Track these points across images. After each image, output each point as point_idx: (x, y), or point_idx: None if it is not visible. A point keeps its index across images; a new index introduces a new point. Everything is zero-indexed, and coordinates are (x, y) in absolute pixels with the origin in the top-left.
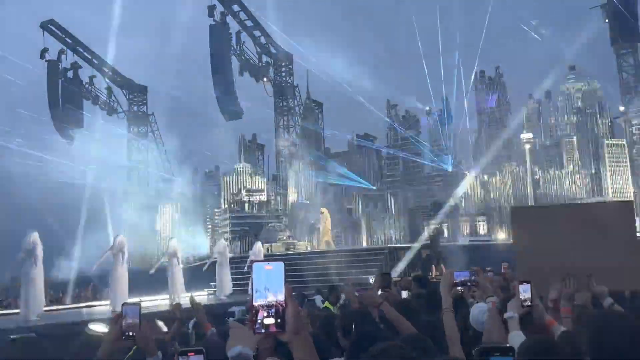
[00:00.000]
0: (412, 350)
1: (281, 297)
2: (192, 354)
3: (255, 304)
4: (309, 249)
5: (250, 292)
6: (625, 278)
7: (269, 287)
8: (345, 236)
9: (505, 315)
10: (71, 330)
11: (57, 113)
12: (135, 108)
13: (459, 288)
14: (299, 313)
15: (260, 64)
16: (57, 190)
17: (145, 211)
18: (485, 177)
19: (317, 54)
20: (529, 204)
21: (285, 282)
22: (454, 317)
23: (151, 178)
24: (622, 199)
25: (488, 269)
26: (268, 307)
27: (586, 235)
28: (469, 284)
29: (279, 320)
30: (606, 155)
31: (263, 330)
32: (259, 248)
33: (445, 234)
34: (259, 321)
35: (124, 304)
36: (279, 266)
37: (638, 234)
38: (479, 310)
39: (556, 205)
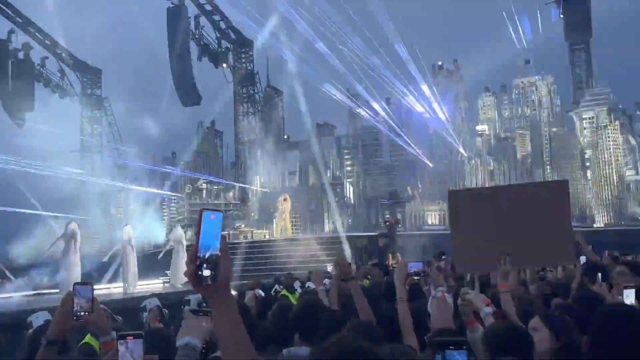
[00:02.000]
0: (364, 339)
1: (217, 249)
2: (131, 337)
3: (200, 254)
4: (267, 237)
5: (194, 242)
6: (552, 255)
7: (211, 238)
8: (304, 225)
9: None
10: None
11: (7, 95)
12: (88, 91)
13: (415, 277)
14: (231, 267)
15: (219, 49)
16: (4, 175)
17: (100, 198)
18: (441, 167)
19: (277, 40)
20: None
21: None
22: (407, 306)
23: (105, 164)
24: (558, 179)
25: (444, 257)
26: (208, 259)
27: (521, 215)
28: (422, 274)
29: (213, 273)
30: (557, 147)
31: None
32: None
33: (402, 223)
34: (200, 273)
35: (75, 284)
36: (219, 216)
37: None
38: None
39: (492, 187)
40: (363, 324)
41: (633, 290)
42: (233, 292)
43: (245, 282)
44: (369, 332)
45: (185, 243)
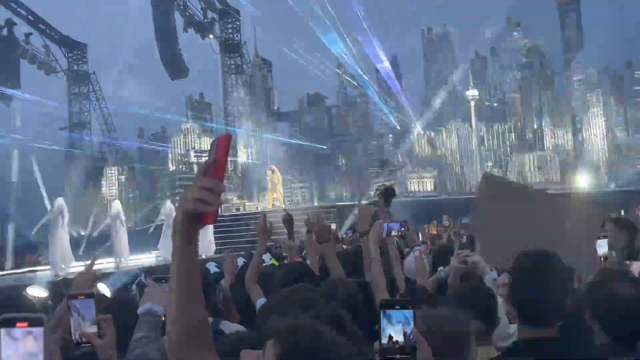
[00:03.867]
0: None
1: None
2: (82, 297)
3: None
4: (259, 209)
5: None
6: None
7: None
8: (296, 195)
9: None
10: (8, 295)
11: None
12: (75, 67)
13: (393, 234)
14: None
15: (205, 20)
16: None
17: (90, 174)
18: (432, 134)
19: (266, 9)
20: (477, 162)
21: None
22: (380, 265)
23: (94, 140)
24: (588, 193)
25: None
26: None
27: (540, 224)
28: (399, 233)
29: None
30: (548, 110)
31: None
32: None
33: (396, 191)
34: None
35: (69, 296)
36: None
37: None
38: (410, 260)
39: (525, 186)
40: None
41: (605, 241)
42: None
43: (237, 254)
44: (338, 321)
45: None
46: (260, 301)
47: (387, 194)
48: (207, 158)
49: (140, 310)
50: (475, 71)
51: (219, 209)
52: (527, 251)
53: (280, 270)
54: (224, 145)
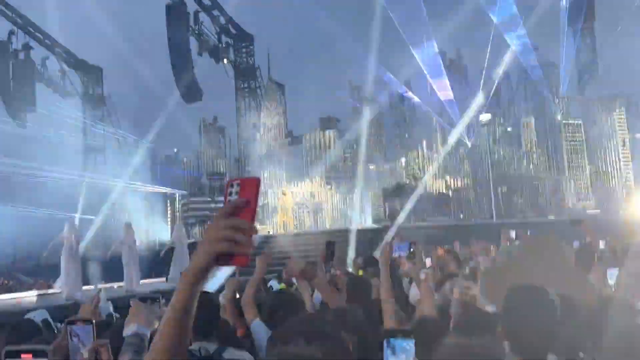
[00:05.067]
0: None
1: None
2: (80, 323)
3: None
4: (271, 233)
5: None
6: None
7: None
8: (307, 219)
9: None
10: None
11: (8, 96)
12: (90, 90)
13: (400, 255)
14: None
15: (219, 44)
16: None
17: (102, 196)
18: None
19: (278, 33)
20: (490, 184)
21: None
22: (389, 289)
23: (108, 162)
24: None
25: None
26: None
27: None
28: (407, 254)
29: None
30: (563, 134)
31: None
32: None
33: (405, 216)
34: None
35: (68, 322)
36: None
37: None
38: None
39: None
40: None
41: (615, 271)
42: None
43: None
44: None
45: (186, 241)
46: (255, 323)
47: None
48: (230, 198)
49: (126, 332)
50: (488, 95)
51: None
52: (517, 285)
53: (268, 297)
54: (255, 188)
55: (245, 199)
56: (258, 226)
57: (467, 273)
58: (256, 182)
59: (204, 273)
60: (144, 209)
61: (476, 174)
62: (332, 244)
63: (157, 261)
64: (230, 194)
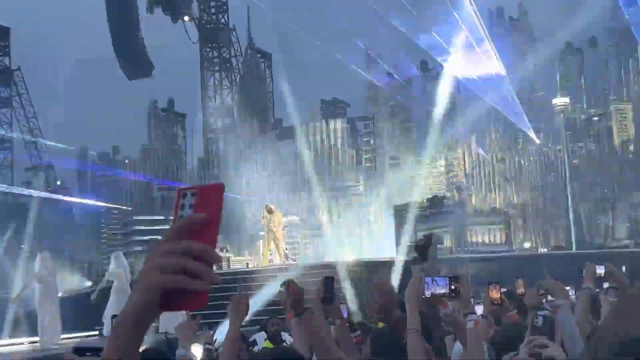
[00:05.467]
0: None
1: None
2: None
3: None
4: (250, 266)
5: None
6: None
7: None
8: (305, 246)
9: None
10: None
11: None
12: None
13: (438, 292)
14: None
15: None
16: None
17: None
18: (499, 155)
19: None
20: (568, 199)
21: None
22: (421, 339)
23: (17, 165)
24: None
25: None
26: None
27: None
28: (446, 295)
29: None
30: None
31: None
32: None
33: (446, 243)
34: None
35: None
36: None
37: None
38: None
39: None
40: None
41: None
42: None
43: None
44: None
45: (129, 277)
46: None
47: (423, 246)
48: (182, 213)
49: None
50: (566, 71)
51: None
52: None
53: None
54: (217, 199)
55: (204, 215)
56: (231, 255)
57: (538, 325)
58: (219, 191)
59: (144, 321)
60: (66, 231)
61: (547, 184)
62: (331, 281)
63: (87, 307)
64: (183, 207)
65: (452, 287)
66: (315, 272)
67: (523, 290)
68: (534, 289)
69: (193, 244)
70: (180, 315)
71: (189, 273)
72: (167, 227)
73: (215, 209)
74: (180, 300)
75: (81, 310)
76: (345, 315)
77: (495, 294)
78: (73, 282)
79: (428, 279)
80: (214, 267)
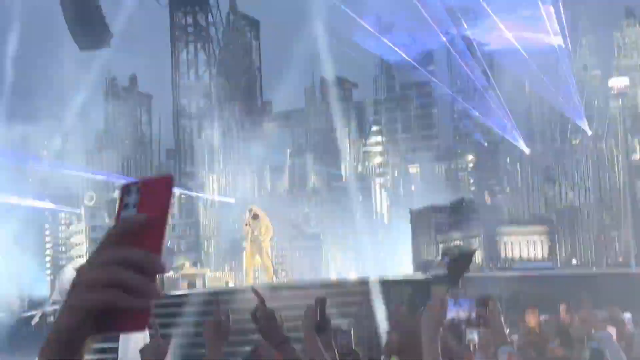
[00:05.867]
0: None
1: None
2: None
3: None
4: (231, 284)
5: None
6: None
7: None
8: (297, 261)
9: None
10: None
11: None
12: None
13: (461, 318)
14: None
15: None
16: None
17: None
18: (540, 148)
19: None
20: (626, 204)
21: None
22: None
23: None
24: None
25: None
26: None
27: None
28: (471, 321)
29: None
30: None
31: None
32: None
33: (477, 257)
34: None
35: None
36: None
37: None
38: None
39: None
40: None
41: None
42: None
43: None
44: None
45: None
46: None
47: (459, 264)
48: (125, 214)
49: None
50: (625, 44)
51: (152, 306)
52: None
53: None
54: (164, 194)
55: (146, 215)
56: (206, 271)
57: (586, 358)
58: (165, 185)
59: (75, 346)
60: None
61: (599, 186)
62: (323, 304)
63: (26, 334)
64: (127, 206)
65: (479, 311)
66: (310, 293)
67: (569, 317)
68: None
69: (130, 252)
70: (142, 337)
71: (126, 287)
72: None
73: (161, 207)
74: (118, 321)
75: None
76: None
77: (532, 320)
78: (9, 302)
79: (450, 301)
80: (166, 279)
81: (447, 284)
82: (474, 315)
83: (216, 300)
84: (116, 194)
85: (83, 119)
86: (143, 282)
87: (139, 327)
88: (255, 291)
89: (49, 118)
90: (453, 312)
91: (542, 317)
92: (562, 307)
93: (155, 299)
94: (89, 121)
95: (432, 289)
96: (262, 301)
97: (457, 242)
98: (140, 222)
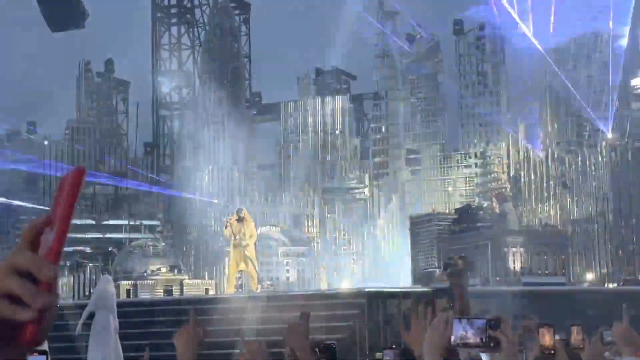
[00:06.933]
0: None
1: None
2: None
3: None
4: (212, 291)
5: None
6: None
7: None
8: (287, 267)
9: None
10: None
11: None
12: None
13: (469, 340)
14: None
15: None
16: None
17: None
18: (556, 153)
19: None
20: None
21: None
22: None
23: None
24: None
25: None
26: None
27: None
28: (480, 344)
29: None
30: None
31: None
32: (106, 289)
33: (479, 270)
34: None
35: None
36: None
37: None
38: None
39: None
40: None
41: None
42: None
43: None
44: None
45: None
46: None
47: (463, 277)
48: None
49: None
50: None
51: (50, 321)
52: None
53: None
54: (68, 191)
55: (48, 216)
56: (187, 279)
57: None
58: (71, 180)
59: None
60: None
61: (621, 193)
62: (307, 317)
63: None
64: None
65: (490, 332)
66: (298, 305)
67: (581, 340)
68: (596, 338)
69: (18, 257)
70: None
71: (11, 300)
72: (102, 236)
73: (64, 205)
74: (9, 334)
75: None
76: None
77: (547, 340)
78: None
79: (456, 321)
80: (139, 284)
81: (449, 298)
82: (483, 337)
83: (194, 309)
84: (88, 191)
85: (53, 106)
86: (29, 291)
87: (29, 342)
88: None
89: (16, 105)
90: (459, 333)
91: (557, 337)
92: (573, 329)
93: (45, 310)
94: (59, 109)
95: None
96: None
97: (461, 253)
98: (37, 225)
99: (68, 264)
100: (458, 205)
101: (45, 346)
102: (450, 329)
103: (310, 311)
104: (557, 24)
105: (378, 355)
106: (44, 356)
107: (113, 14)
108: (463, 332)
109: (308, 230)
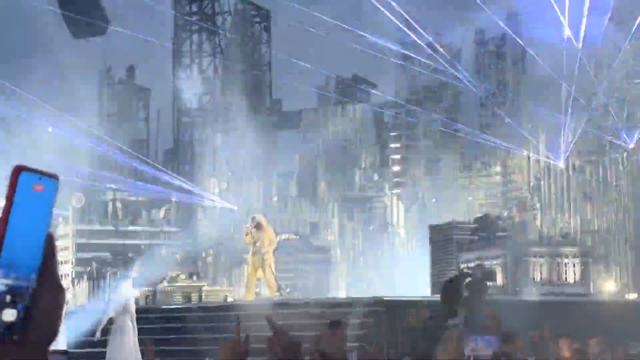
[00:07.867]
0: None
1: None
2: None
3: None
4: (230, 299)
5: None
6: None
7: (27, 237)
8: (307, 277)
9: None
10: None
11: None
12: None
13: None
14: (59, 307)
15: None
16: None
17: None
18: (576, 162)
19: None
20: None
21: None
22: None
23: None
24: None
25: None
26: (12, 286)
27: None
28: (494, 355)
29: (22, 317)
30: None
31: None
32: (126, 294)
33: (499, 279)
34: None
35: None
36: (51, 188)
37: None
38: None
39: None
40: None
41: None
42: None
43: None
44: None
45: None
46: None
47: (480, 287)
48: None
49: None
50: None
51: (50, 321)
52: None
53: None
54: (8, 190)
55: None
56: (206, 287)
57: None
58: (12, 176)
59: None
60: None
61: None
62: (338, 326)
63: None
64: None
65: (504, 348)
66: (317, 312)
67: (597, 350)
68: (619, 352)
69: None
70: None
71: None
72: (119, 242)
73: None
74: None
75: None
76: None
77: (567, 352)
78: None
79: (471, 337)
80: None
81: (465, 309)
82: (497, 352)
83: (237, 316)
84: (107, 197)
85: (74, 113)
86: None
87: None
88: (270, 321)
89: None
90: (474, 348)
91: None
92: (590, 341)
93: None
94: (80, 116)
95: (451, 311)
96: (279, 330)
97: (480, 263)
98: None
99: (88, 269)
100: (478, 215)
101: (64, 346)
102: (462, 346)
103: (341, 319)
104: (585, 32)
105: None
106: (64, 356)
107: (134, 21)
108: (474, 344)
109: (327, 238)
